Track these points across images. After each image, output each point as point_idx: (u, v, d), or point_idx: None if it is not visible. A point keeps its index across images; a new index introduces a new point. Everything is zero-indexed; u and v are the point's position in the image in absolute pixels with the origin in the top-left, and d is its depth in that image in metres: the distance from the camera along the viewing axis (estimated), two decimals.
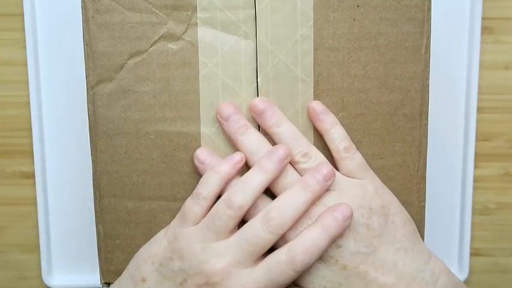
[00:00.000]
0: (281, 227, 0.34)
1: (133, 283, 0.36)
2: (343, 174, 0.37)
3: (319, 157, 0.37)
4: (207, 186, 0.36)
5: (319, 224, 0.35)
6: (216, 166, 0.36)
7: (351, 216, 0.35)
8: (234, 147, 0.38)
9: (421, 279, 0.36)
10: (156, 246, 0.37)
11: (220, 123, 0.38)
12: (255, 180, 0.35)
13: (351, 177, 0.37)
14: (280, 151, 0.36)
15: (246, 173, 0.36)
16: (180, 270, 0.35)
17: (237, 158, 0.37)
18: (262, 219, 0.35)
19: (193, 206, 0.36)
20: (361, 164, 0.37)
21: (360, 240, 0.36)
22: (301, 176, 0.37)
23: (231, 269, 0.34)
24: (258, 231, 0.34)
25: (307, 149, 0.37)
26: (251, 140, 0.37)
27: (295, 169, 0.37)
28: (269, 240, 0.34)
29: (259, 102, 0.37)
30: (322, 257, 0.36)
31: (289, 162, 0.37)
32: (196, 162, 0.38)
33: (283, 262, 0.34)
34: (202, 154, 0.37)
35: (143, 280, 0.36)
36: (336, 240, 0.35)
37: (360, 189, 0.37)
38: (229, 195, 0.35)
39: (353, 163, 0.37)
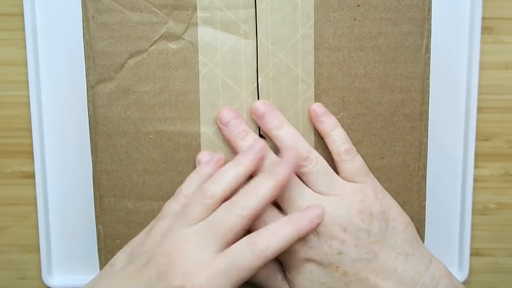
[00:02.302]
0: (242, 208, 0.34)
1: (104, 269, 0.37)
2: (343, 177, 0.37)
3: (320, 161, 0.37)
4: (188, 185, 0.37)
5: (287, 217, 0.35)
6: (198, 167, 0.37)
7: (321, 216, 0.35)
8: (234, 150, 0.38)
9: (421, 284, 0.36)
10: (135, 238, 0.37)
11: (220, 128, 0.38)
12: (229, 172, 0.35)
13: (351, 181, 0.37)
14: (256, 146, 0.36)
15: (223, 167, 0.36)
16: (145, 252, 0.35)
17: (216, 158, 0.37)
18: (228, 203, 0.34)
19: (171, 203, 0.37)
20: (361, 168, 0.37)
21: (361, 246, 0.36)
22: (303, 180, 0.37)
23: (194, 251, 0.33)
24: (223, 214, 0.34)
25: (308, 153, 0.37)
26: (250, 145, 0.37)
27: (296, 173, 0.37)
28: (233, 223, 0.34)
29: (260, 105, 0.37)
30: (322, 263, 0.36)
31: None
32: (197, 164, 0.38)
33: (244, 244, 0.33)
34: (203, 157, 0.38)
35: (112, 265, 0.36)
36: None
37: (360, 194, 0.37)
38: (204, 185, 0.35)
39: (353, 166, 0.37)
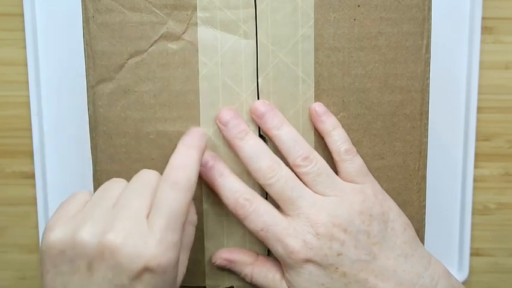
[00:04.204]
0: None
1: None
2: (342, 177, 0.37)
3: (320, 161, 0.37)
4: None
5: (181, 144, 0.34)
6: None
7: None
8: (234, 150, 0.38)
9: (420, 285, 0.36)
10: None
11: (219, 128, 0.38)
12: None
13: (351, 181, 0.37)
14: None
15: None
16: (77, 256, 0.33)
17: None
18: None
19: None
20: (361, 168, 0.37)
21: (361, 247, 0.36)
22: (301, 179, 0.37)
23: (128, 231, 0.32)
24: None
25: (308, 153, 0.37)
26: (250, 145, 0.37)
27: (295, 173, 0.37)
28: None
29: (260, 105, 0.37)
30: (322, 264, 0.36)
31: (290, 166, 0.37)
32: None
33: (167, 190, 0.32)
34: (203, 158, 0.38)
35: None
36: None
37: (359, 195, 0.36)
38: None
39: (353, 166, 0.37)
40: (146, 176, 0.34)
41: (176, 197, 0.32)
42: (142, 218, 0.32)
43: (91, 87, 0.38)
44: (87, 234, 0.31)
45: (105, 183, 0.35)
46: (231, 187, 0.37)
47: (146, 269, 0.30)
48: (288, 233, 0.36)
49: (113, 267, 0.30)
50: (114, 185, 0.34)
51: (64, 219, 0.32)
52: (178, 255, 0.32)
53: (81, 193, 0.35)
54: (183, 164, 0.33)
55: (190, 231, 0.36)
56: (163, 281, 0.31)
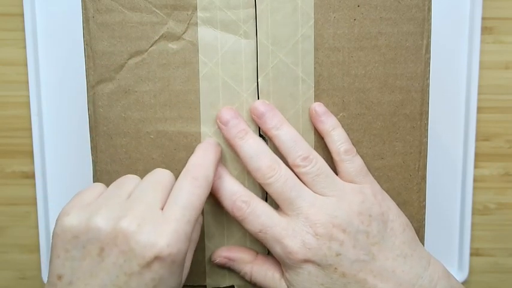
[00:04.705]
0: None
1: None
2: (342, 177, 0.37)
3: (320, 161, 0.37)
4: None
5: (202, 145, 0.37)
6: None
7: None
8: (234, 150, 0.38)
9: (420, 286, 0.36)
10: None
11: (219, 128, 0.38)
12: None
13: (350, 181, 0.37)
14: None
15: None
16: (89, 240, 0.33)
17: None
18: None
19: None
20: (361, 168, 0.37)
21: (360, 248, 0.36)
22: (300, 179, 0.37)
23: (144, 217, 0.32)
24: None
25: (308, 153, 0.37)
26: (250, 145, 0.37)
27: (295, 173, 0.37)
28: (162, 176, 0.35)
29: (259, 105, 0.37)
30: (321, 264, 0.36)
31: (289, 166, 0.37)
32: None
33: (186, 184, 0.34)
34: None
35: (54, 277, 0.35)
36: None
37: (359, 195, 0.36)
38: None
39: (353, 166, 0.37)
40: (161, 174, 0.35)
41: (194, 191, 0.33)
42: (156, 208, 0.33)
43: (91, 87, 0.38)
44: (102, 220, 0.32)
45: (119, 178, 0.36)
46: (228, 190, 0.37)
47: (157, 258, 0.31)
48: (287, 233, 0.36)
49: (125, 254, 0.31)
50: (129, 180, 0.35)
51: (79, 205, 0.33)
52: (188, 248, 0.33)
53: (97, 185, 0.36)
54: (202, 163, 0.35)
55: (198, 228, 0.36)
56: (171, 273, 0.32)
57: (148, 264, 0.31)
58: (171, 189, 0.34)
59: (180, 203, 0.33)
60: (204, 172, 0.35)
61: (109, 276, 0.31)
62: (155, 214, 0.32)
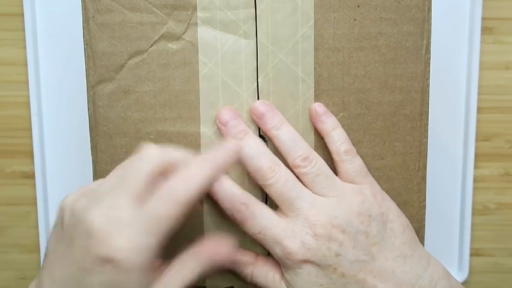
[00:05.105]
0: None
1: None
2: (342, 178, 0.37)
3: (319, 161, 0.37)
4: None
5: (203, 158, 0.33)
6: None
7: (237, 151, 0.34)
8: None
9: (419, 286, 0.36)
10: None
11: (219, 128, 0.38)
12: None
13: (350, 181, 0.37)
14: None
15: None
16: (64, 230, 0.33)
17: None
18: None
19: None
20: (361, 168, 0.37)
21: (359, 248, 0.36)
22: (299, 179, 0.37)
23: (108, 214, 0.31)
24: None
25: (307, 153, 0.37)
26: (249, 145, 0.37)
27: (295, 173, 0.37)
28: (142, 172, 0.32)
29: (259, 105, 0.37)
30: (320, 265, 0.35)
31: (289, 166, 0.37)
32: None
33: (162, 194, 0.31)
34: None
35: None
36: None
37: (359, 196, 0.36)
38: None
39: (353, 166, 0.37)
40: (147, 154, 0.33)
41: (165, 205, 0.31)
42: (129, 203, 0.30)
43: (91, 87, 0.38)
44: (78, 208, 0.31)
45: (139, 152, 0.33)
46: (228, 192, 0.37)
47: (109, 260, 0.29)
48: (286, 234, 0.36)
49: (83, 247, 0.30)
50: (130, 164, 0.33)
51: (85, 190, 0.33)
52: (150, 262, 0.30)
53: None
54: (188, 178, 0.32)
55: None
56: (128, 282, 0.30)
57: (100, 264, 0.29)
58: (158, 170, 0.32)
59: (148, 213, 0.30)
60: (185, 188, 0.31)
61: (69, 268, 0.30)
62: (124, 211, 0.30)
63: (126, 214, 0.30)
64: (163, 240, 0.31)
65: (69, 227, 0.31)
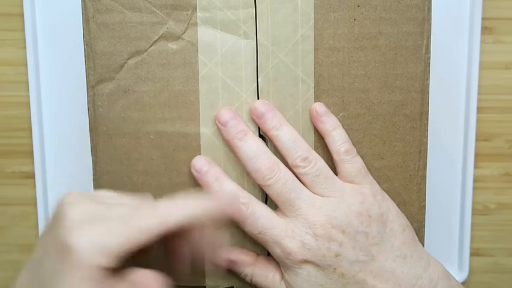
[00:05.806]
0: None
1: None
2: (342, 178, 0.37)
3: (319, 162, 0.37)
4: None
5: (204, 196, 0.32)
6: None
7: (237, 207, 0.35)
8: (233, 151, 0.38)
9: (419, 286, 0.36)
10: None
11: (218, 128, 0.38)
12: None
13: (350, 181, 0.37)
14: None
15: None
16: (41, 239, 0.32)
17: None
18: None
19: None
20: (361, 168, 0.37)
21: (359, 248, 0.36)
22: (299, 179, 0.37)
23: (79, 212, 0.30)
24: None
25: (307, 154, 0.37)
26: (249, 146, 0.37)
27: (294, 173, 0.37)
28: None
29: (259, 105, 0.37)
30: (320, 265, 0.36)
31: (289, 167, 0.37)
32: (193, 171, 0.38)
33: (147, 207, 0.30)
34: (198, 163, 0.37)
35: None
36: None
37: (359, 196, 0.36)
38: None
39: (353, 166, 0.37)
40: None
41: (147, 219, 0.29)
42: (117, 210, 0.30)
43: (91, 87, 0.38)
44: (66, 200, 0.30)
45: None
46: (228, 192, 0.37)
47: (67, 248, 0.28)
48: (286, 234, 0.36)
49: (53, 232, 0.29)
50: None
51: (91, 197, 0.31)
52: (105, 271, 0.28)
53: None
54: (163, 212, 0.30)
55: None
56: (76, 279, 0.27)
57: (58, 249, 0.28)
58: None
59: (133, 222, 0.29)
60: (174, 212, 0.30)
61: (38, 252, 0.30)
62: (104, 212, 0.30)
63: (105, 214, 0.29)
64: (129, 254, 0.29)
65: (52, 214, 0.30)
